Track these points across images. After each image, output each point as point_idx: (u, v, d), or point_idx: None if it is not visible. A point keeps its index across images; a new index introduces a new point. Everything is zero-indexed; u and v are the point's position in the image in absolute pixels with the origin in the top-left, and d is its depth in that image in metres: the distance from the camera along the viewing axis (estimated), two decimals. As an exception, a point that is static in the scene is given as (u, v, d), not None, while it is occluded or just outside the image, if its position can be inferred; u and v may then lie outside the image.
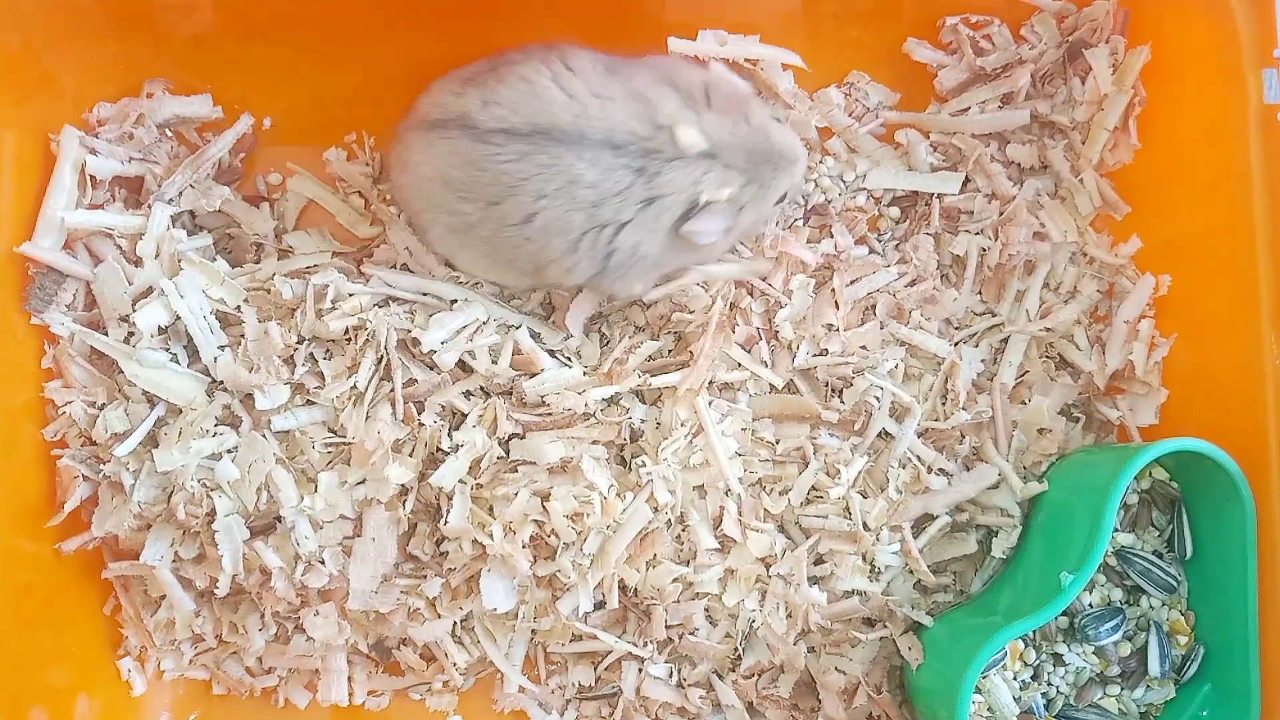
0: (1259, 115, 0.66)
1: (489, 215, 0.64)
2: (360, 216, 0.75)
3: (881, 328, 0.73)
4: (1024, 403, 0.74)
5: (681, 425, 0.69)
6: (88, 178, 0.70)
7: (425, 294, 0.71)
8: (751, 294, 0.72)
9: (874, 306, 0.73)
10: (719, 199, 0.62)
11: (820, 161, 0.76)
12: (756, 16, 0.75)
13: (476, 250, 0.68)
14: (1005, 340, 0.74)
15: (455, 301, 0.71)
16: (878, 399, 0.71)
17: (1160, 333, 0.73)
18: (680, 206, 0.62)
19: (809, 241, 0.74)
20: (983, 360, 0.74)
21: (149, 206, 0.71)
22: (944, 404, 0.73)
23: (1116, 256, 0.75)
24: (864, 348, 0.72)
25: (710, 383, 0.70)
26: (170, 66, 0.74)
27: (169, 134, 0.74)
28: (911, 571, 0.71)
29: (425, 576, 0.70)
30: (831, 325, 0.72)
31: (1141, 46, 0.72)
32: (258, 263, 0.73)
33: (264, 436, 0.68)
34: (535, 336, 0.71)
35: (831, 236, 0.74)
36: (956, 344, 0.74)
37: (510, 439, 0.69)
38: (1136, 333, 0.73)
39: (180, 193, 0.72)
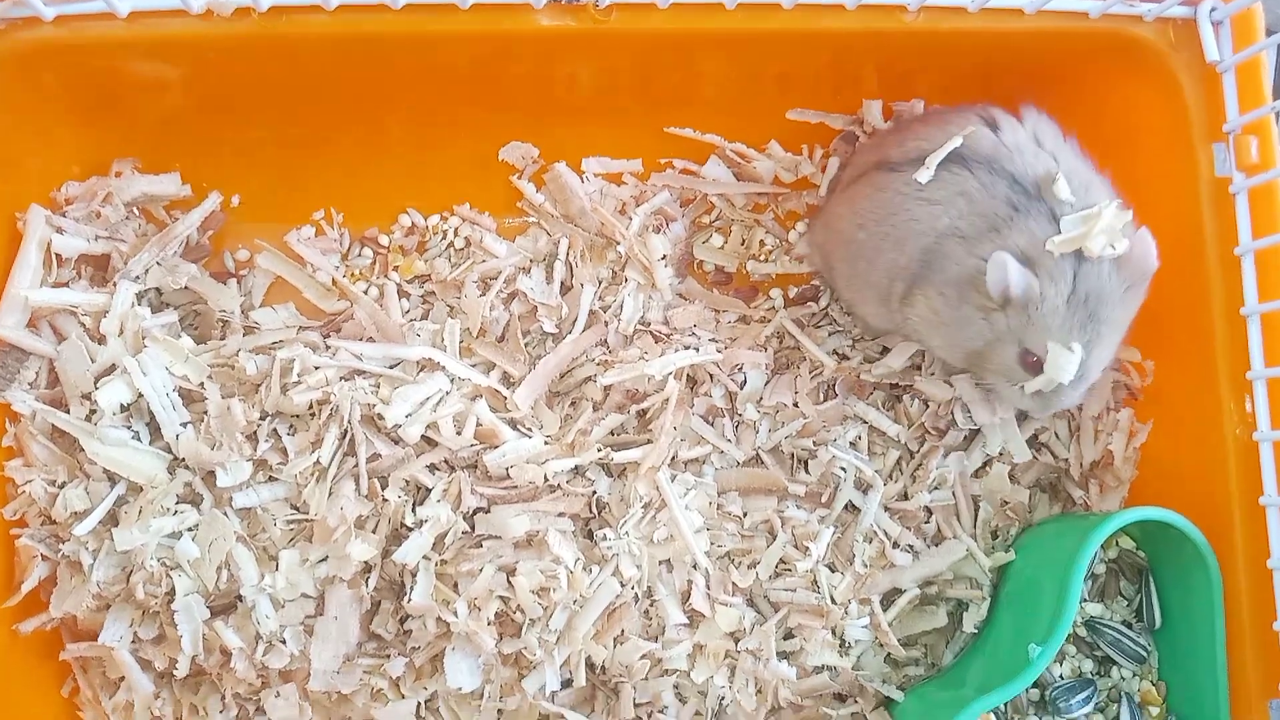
0: (1210, 188, 0.68)
1: None
2: (327, 291, 0.76)
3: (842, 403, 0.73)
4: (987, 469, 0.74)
5: (642, 501, 0.68)
6: (53, 256, 0.70)
7: (392, 365, 0.71)
8: (712, 378, 0.73)
9: (834, 384, 0.74)
10: (1016, 253, 0.61)
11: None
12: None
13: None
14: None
15: (422, 369, 0.71)
16: (844, 469, 0.71)
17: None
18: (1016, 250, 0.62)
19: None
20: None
21: (114, 284, 0.71)
22: (913, 482, 0.73)
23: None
24: (824, 424, 0.72)
25: (674, 458, 0.70)
26: (139, 146, 0.75)
27: (137, 212, 0.75)
28: (881, 645, 0.71)
29: (389, 656, 0.69)
30: (792, 404, 0.72)
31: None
32: (223, 339, 0.73)
33: (225, 514, 0.68)
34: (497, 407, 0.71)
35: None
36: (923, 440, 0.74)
37: (475, 513, 0.68)
38: (1114, 424, 0.73)
39: (146, 270, 0.73)
